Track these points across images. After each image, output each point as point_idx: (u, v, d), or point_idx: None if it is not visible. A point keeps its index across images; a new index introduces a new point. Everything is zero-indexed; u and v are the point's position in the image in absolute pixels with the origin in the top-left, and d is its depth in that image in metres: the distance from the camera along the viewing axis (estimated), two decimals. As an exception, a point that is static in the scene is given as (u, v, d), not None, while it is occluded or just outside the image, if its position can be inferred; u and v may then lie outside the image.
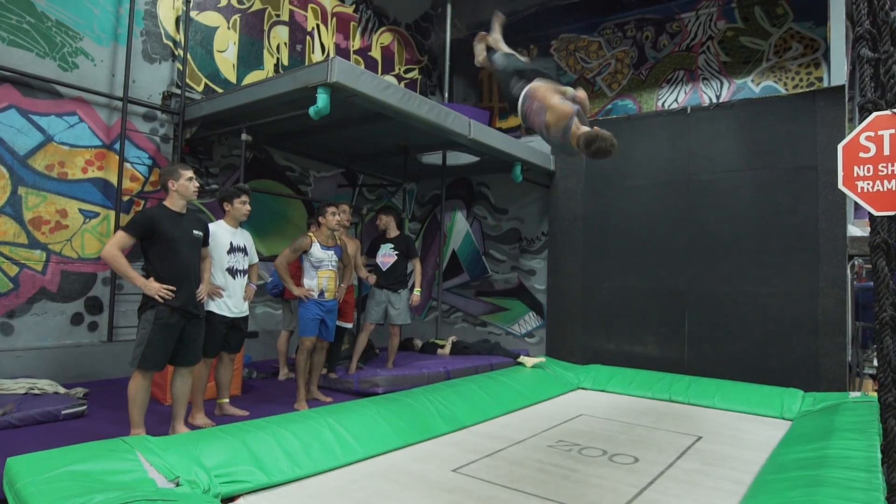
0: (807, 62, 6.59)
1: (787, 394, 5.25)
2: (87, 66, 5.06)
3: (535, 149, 7.08)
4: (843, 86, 5.64)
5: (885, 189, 1.58)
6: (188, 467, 2.78)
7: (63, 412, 3.74)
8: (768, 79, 6.81)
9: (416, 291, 5.49)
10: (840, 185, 1.63)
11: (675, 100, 7.33)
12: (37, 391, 4.07)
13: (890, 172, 1.57)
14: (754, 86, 6.87)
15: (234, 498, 2.87)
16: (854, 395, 5.05)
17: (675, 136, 6.51)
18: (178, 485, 2.66)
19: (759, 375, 5.64)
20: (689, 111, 6.48)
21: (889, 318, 1.61)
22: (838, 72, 5.80)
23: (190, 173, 3.54)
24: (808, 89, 6.22)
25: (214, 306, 3.83)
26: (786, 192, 5.78)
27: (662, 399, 5.66)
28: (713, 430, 4.62)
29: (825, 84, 6.31)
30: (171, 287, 3.33)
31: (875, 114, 1.62)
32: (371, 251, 5.72)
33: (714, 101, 6.95)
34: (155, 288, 3.30)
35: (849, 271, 5.48)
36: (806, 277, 5.56)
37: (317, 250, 4.51)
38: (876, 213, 1.60)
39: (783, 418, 4.98)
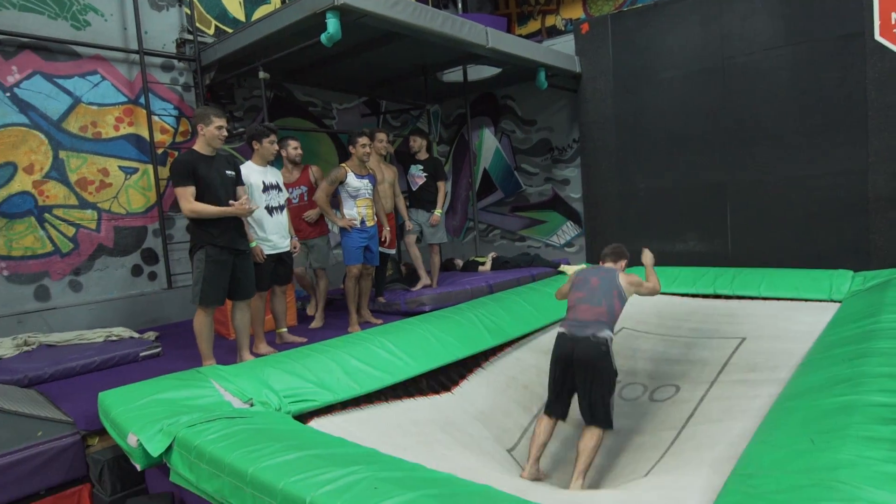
0: (853, -85, 5.94)
1: (836, 275, 5.16)
2: (98, 23, 5.06)
3: (558, 52, 6.77)
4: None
5: (928, 36, 1.48)
6: (259, 390, 3.01)
7: (141, 354, 4.07)
8: (809, -60, 6.19)
9: (437, 212, 5.56)
10: (876, 36, 1.54)
11: (706, -22, 6.78)
12: (114, 338, 4.43)
13: (933, 17, 1.47)
14: (794, -50, 6.27)
15: (305, 420, 3.09)
16: (906, 269, 4.93)
17: (707, 18, 6.07)
18: (251, 405, 2.91)
19: (807, 261, 5.54)
20: (721, -11, 6.01)
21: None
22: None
23: (222, 122, 3.49)
24: (854, -54, 5.64)
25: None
26: (830, 66, 5.38)
27: (707, 294, 5.64)
28: (758, 326, 4.54)
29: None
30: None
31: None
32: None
33: (749, -26, 6.40)
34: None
35: (902, 142, 5.19)
36: (854, 154, 5.30)
37: (352, 180, 4.57)
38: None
39: (832, 300, 4.92)
